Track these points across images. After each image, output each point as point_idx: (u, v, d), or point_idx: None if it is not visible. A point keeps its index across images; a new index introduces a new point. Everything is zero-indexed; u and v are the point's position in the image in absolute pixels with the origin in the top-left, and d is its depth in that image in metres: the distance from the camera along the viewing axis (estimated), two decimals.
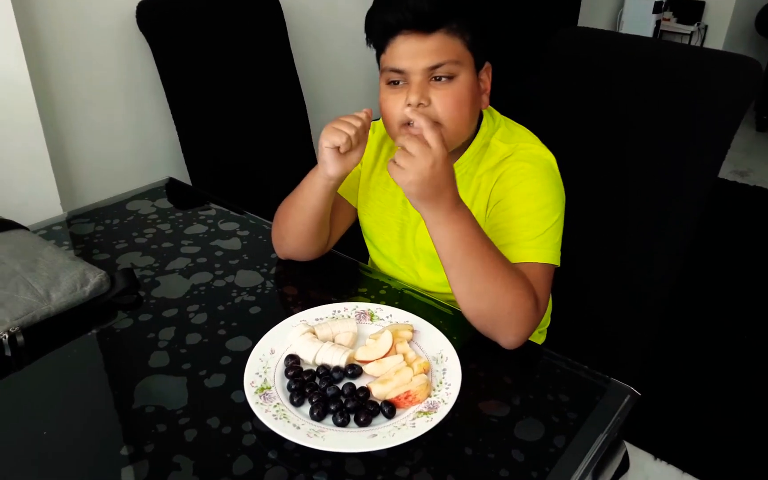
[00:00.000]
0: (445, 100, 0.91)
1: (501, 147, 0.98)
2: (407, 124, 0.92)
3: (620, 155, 1.21)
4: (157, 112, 1.81)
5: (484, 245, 0.85)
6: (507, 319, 0.84)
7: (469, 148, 0.99)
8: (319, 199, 0.97)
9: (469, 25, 0.91)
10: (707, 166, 1.12)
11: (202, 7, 1.78)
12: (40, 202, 1.40)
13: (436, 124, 0.87)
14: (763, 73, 1.17)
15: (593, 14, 3.76)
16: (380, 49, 0.95)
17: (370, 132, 1.09)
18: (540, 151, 0.98)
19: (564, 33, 1.33)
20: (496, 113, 1.05)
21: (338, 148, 0.90)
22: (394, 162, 0.83)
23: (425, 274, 1.04)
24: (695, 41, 3.87)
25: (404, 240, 1.05)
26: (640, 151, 1.19)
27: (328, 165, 0.92)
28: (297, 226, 1.01)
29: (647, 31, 3.77)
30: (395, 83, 0.92)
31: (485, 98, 0.98)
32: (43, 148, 1.40)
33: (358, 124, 0.91)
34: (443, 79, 0.91)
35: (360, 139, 0.92)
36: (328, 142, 0.90)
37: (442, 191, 0.82)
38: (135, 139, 1.81)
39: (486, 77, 0.98)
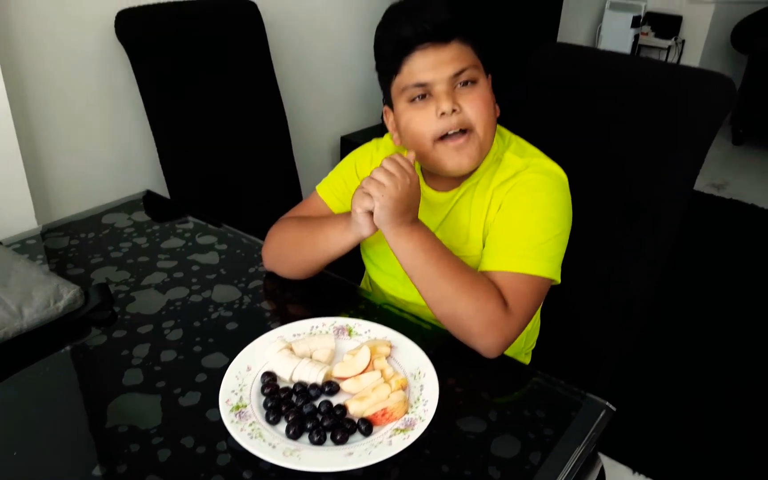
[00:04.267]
0: (474, 103, 0.92)
1: (515, 161, 0.97)
2: (441, 137, 0.92)
3: (597, 169, 1.22)
4: (135, 123, 1.80)
5: (443, 254, 0.88)
6: (469, 323, 0.85)
7: (483, 162, 0.99)
8: (344, 250, 0.96)
9: (476, 35, 0.93)
10: (683, 179, 1.13)
11: (182, 17, 1.77)
12: (14, 214, 1.37)
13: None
14: (737, 89, 1.19)
15: (573, 28, 3.80)
16: (394, 71, 0.93)
17: (374, 149, 1.08)
18: (553, 167, 0.98)
19: (544, 49, 1.35)
20: (505, 130, 1.05)
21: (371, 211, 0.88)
22: (369, 181, 0.86)
23: None
24: (673, 55, 3.94)
25: None
26: (617, 165, 1.20)
27: (363, 228, 0.90)
28: (309, 260, 1.00)
29: (625, 45, 3.83)
30: (420, 97, 0.92)
31: (496, 107, 0.98)
32: (17, 159, 1.37)
33: None
34: (468, 83, 0.92)
35: None
36: (360, 208, 0.88)
37: (412, 209, 0.88)
38: (113, 152, 1.79)
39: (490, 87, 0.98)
